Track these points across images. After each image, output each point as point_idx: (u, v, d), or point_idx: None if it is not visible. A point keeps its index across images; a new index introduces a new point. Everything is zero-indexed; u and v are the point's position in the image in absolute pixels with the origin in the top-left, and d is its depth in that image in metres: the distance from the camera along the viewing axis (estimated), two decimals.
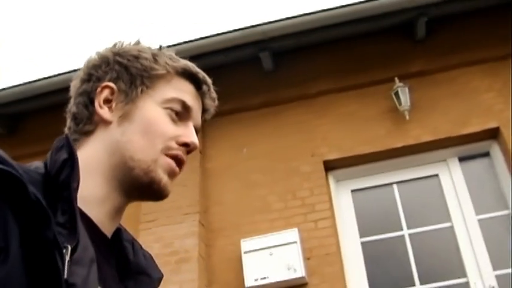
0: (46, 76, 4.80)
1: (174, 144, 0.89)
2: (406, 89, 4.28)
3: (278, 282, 3.78)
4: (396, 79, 4.31)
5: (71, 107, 0.93)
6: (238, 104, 4.63)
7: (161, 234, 4.11)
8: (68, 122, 0.93)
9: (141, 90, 0.90)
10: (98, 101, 0.90)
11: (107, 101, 0.90)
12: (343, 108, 4.54)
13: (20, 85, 4.86)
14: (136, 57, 0.92)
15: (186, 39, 4.54)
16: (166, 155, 0.88)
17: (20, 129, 5.19)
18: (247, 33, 4.49)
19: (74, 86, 0.95)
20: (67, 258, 0.64)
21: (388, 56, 4.59)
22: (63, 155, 0.74)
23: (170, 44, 4.44)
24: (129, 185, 0.87)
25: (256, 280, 3.80)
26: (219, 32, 4.54)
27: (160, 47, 0.97)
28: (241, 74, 4.81)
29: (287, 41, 4.57)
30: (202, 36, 4.55)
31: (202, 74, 0.96)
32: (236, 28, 4.52)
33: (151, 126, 0.88)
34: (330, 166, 4.39)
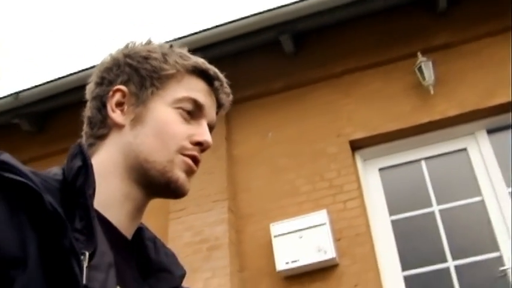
0: (71, 72, 4.86)
1: (188, 144, 0.89)
2: (430, 64, 4.21)
3: (309, 264, 3.79)
4: (419, 54, 4.25)
5: (86, 110, 0.94)
6: (261, 89, 4.63)
7: (191, 223, 4.16)
8: (84, 125, 0.94)
9: (152, 92, 0.90)
10: (110, 105, 0.90)
11: (119, 104, 0.90)
12: (367, 86, 4.50)
13: (46, 83, 4.94)
14: (146, 58, 0.92)
15: (205, 28, 4.54)
16: (182, 154, 0.88)
17: (49, 126, 5.29)
18: (265, 17, 4.46)
19: (89, 89, 0.95)
20: (85, 264, 0.65)
21: (410, 30, 4.51)
22: (78, 163, 0.75)
23: (189, 33, 4.47)
24: (147, 186, 0.88)
25: (287, 263, 3.83)
26: (237, 18, 4.52)
27: (171, 45, 0.95)
28: (262, 58, 4.80)
29: (306, 22, 4.53)
30: (220, 23, 4.55)
31: (213, 69, 0.95)
32: (254, 13, 4.50)
33: (163, 128, 0.88)
34: (356, 146, 4.37)
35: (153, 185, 0.87)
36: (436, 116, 4.19)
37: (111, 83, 0.92)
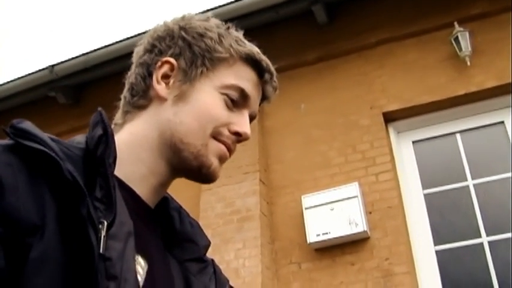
0: (105, 45, 4.91)
1: (225, 131, 0.88)
2: (467, 34, 4.09)
3: (340, 237, 3.79)
4: (455, 24, 4.13)
5: (130, 75, 0.93)
6: (293, 60, 4.58)
7: (223, 194, 4.20)
8: (125, 90, 0.93)
9: (201, 72, 0.88)
10: (156, 76, 0.88)
11: (165, 77, 0.89)
12: (402, 57, 4.41)
13: (81, 55, 5.00)
14: (202, 36, 0.89)
15: None
16: (216, 139, 0.87)
17: (84, 99, 5.38)
18: None
19: (137, 54, 0.94)
20: (103, 233, 0.65)
21: (446, 0, 4.39)
22: (99, 131, 0.74)
23: (222, 4, 4.44)
24: (177, 165, 0.87)
25: (318, 236, 3.84)
26: None
27: (229, 26, 0.92)
28: (295, 29, 4.74)
29: None
30: None
31: (266, 61, 0.92)
32: None
33: (206, 111, 0.86)
34: (389, 118, 4.31)
35: (184, 166, 0.87)
36: (472, 88, 4.08)
37: (161, 53, 0.90)
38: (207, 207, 4.19)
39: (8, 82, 5.27)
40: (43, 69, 5.08)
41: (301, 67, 4.62)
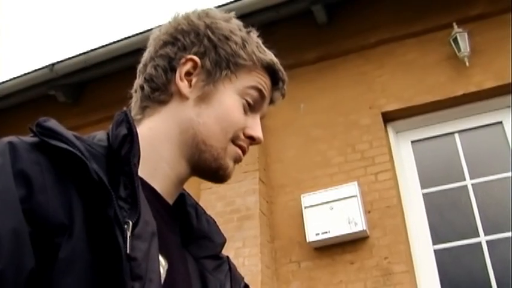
0: (105, 44, 4.91)
1: (241, 135, 0.90)
2: (465, 34, 4.10)
3: (339, 236, 3.81)
4: (454, 24, 4.14)
5: (147, 64, 0.91)
6: (293, 59, 4.58)
7: (223, 193, 4.21)
8: (141, 80, 0.91)
9: (225, 75, 0.88)
10: (180, 72, 0.88)
11: (188, 74, 0.88)
12: (401, 57, 4.42)
13: (81, 54, 5.01)
14: (227, 38, 0.89)
15: None
16: (233, 143, 0.89)
17: (84, 97, 5.39)
18: None
19: (156, 42, 0.92)
20: (128, 233, 0.65)
21: (446, 0, 4.39)
22: (123, 131, 0.74)
23: (222, 3, 4.45)
24: (195, 164, 0.88)
25: (317, 235, 3.85)
26: None
27: (250, 30, 0.93)
28: (295, 29, 4.76)
29: None
30: None
31: (282, 71, 0.95)
32: None
33: (228, 115, 0.87)
34: (389, 117, 4.32)
35: (202, 167, 0.88)
36: (471, 88, 4.10)
37: (185, 48, 0.89)
38: (207, 206, 4.19)
39: (8, 80, 5.27)
40: (43, 67, 5.08)
41: (301, 67, 4.63)
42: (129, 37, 4.72)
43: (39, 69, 5.11)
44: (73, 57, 5.02)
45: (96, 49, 4.95)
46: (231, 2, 4.47)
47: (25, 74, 5.18)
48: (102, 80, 5.07)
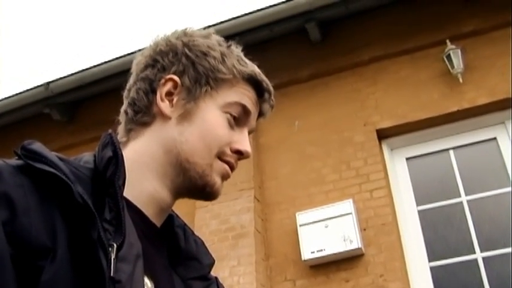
0: (100, 62, 4.93)
1: (228, 150, 0.88)
2: (459, 51, 4.13)
3: (335, 254, 3.79)
4: (447, 41, 4.18)
5: (130, 88, 0.92)
6: (287, 77, 4.61)
7: (218, 211, 4.20)
8: (125, 105, 0.92)
9: (206, 91, 0.88)
10: (160, 93, 0.88)
11: (169, 94, 0.88)
12: (395, 74, 4.44)
13: (76, 73, 5.02)
14: (205, 54, 0.89)
15: (231, 17, 4.54)
16: (220, 159, 0.88)
17: (79, 116, 5.39)
18: (291, 6, 4.44)
19: (137, 66, 0.93)
20: (113, 256, 0.65)
21: (439, 17, 4.43)
22: (108, 153, 0.74)
23: (216, 23, 4.48)
24: (181, 184, 0.87)
25: (312, 252, 3.83)
26: (263, 7, 4.52)
27: (230, 45, 0.93)
28: (289, 47, 4.78)
29: (333, 10, 4.49)
30: (247, 12, 4.55)
31: (266, 82, 0.94)
32: (280, 1, 4.48)
33: (211, 131, 0.87)
34: (383, 134, 4.33)
35: (188, 185, 0.87)
36: (464, 105, 4.12)
37: (165, 69, 0.89)
38: (202, 224, 4.18)
39: (4, 99, 5.27)
40: (38, 86, 5.09)
41: (295, 84, 4.65)
42: (124, 55, 4.74)
43: (35, 87, 5.11)
44: (68, 75, 5.04)
45: (91, 68, 4.97)
46: (226, 21, 4.51)
47: (21, 93, 5.19)
48: (96, 99, 5.07)
